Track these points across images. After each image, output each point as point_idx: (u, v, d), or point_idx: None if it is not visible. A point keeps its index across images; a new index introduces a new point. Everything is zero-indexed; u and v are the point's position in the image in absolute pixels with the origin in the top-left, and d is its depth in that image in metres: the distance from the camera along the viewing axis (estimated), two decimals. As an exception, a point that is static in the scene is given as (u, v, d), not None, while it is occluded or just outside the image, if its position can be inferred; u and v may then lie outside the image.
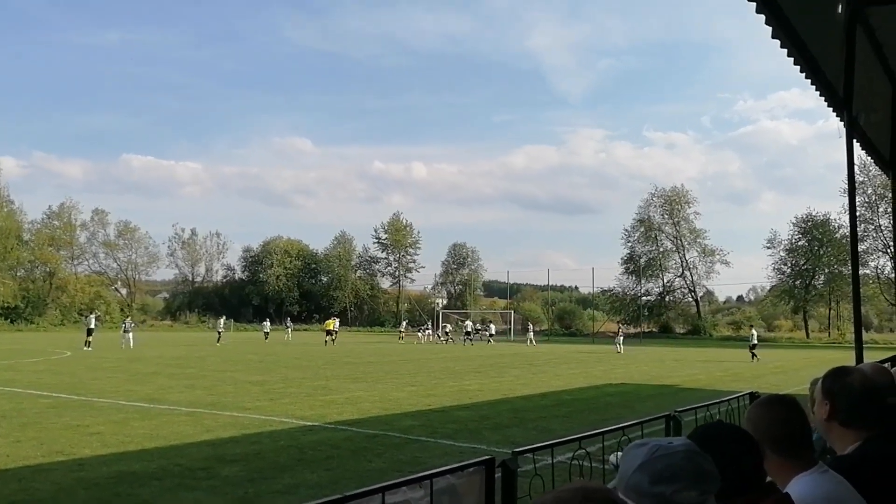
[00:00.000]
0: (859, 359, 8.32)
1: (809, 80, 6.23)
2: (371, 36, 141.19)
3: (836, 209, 76.69)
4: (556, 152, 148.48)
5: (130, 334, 38.94)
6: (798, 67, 5.94)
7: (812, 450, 2.26)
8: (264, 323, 56.53)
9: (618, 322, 67.12)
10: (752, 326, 45.49)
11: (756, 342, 35.14)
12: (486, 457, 3.22)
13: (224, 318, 54.00)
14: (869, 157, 9.67)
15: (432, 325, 62.67)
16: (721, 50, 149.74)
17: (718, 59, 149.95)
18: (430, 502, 2.85)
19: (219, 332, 46.09)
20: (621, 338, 49.55)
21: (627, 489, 1.69)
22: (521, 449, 3.55)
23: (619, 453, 5.49)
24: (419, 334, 55.47)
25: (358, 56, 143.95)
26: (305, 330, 75.35)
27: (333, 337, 46.12)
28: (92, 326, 37.32)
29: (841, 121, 7.49)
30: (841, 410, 2.55)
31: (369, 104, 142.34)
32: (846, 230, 69.92)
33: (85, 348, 34.99)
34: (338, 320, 51.22)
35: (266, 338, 50.14)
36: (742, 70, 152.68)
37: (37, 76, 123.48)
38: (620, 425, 4.65)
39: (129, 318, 47.81)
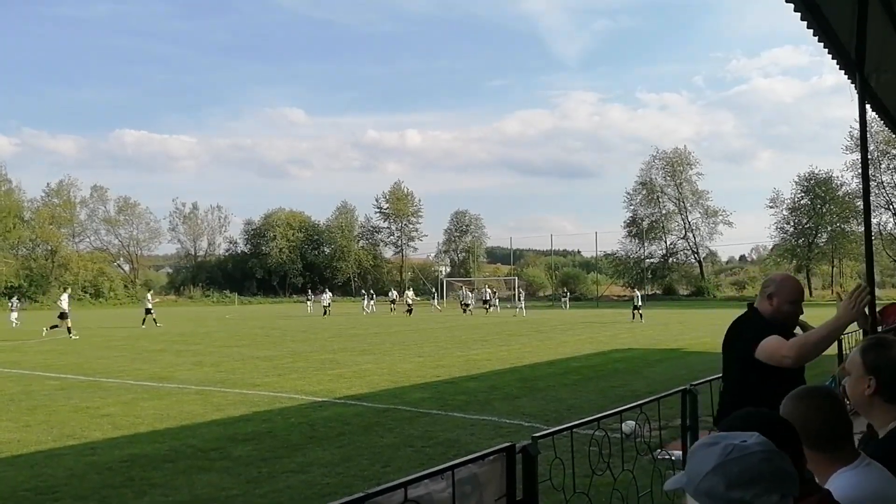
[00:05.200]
0: (872, 314, 8.28)
1: (822, 44, 6.08)
2: (363, 1, 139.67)
3: (834, 165, 76.29)
4: (549, 116, 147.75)
5: (15, 314, 37.65)
6: (811, 31, 5.79)
7: (852, 442, 2.18)
8: (323, 296, 52.34)
9: (520, 287, 63.12)
10: (633, 288, 46.51)
11: (640, 304, 38.14)
12: (507, 443, 3.17)
13: (328, 292, 53.61)
14: (872, 114, 9.52)
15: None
16: (714, 7, 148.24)
17: (711, 18, 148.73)
18: (452, 493, 2.80)
19: (325, 307, 48.18)
20: (522, 302, 49.20)
21: (699, 493, 1.61)
22: (540, 434, 3.49)
23: (631, 422, 5.47)
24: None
25: (350, 23, 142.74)
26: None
27: (397, 307, 48.38)
28: (150, 305, 34.94)
29: (852, 83, 7.35)
30: (888, 386, 2.44)
31: (362, 72, 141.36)
32: (849, 187, 69.68)
33: (150, 325, 33.47)
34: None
35: (325, 312, 47.61)
36: (734, 28, 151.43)
37: (24, 50, 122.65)
38: (638, 402, 4.60)
39: (16, 296, 46.39)
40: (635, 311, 37.39)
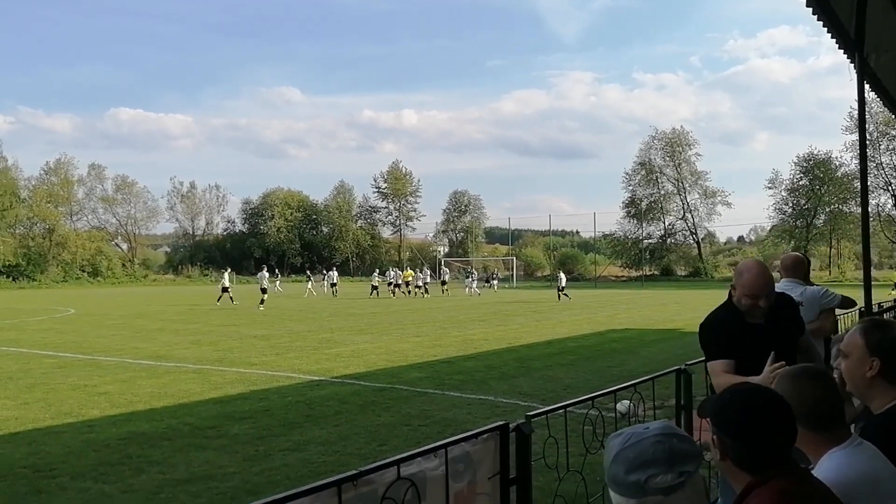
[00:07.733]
0: (867, 295, 8.30)
1: (822, 23, 6.05)
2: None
3: (832, 146, 76.21)
4: (545, 96, 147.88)
5: None
6: (810, 10, 5.77)
7: (844, 422, 2.18)
8: (330, 273, 50.70)
9: (473, 268, 62.08)
10: (559, 270, 47.79)
11: (564, 284, 38.94)
12: (500, 422, 3.18)
13: (392, 270, 50.66)
14: (872, 94, 9.49)
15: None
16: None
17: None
18: (446, 471, 2.81)
19: (373, 286, 45.58)
20: (474, 283, 48.43)
21: (608, 481, 1.80)
22: (534, 413, 3.50)
23: (627, 401, 5.48)
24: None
25: (347, 2, 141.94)
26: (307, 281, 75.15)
27: (410, 288, 47.03)
28: (227, 284, 36.77)
29: (851, 62, 7.32)
30: (893, 366, 2.40)
31: (359, 51, 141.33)
32: (847, 168, 69.65)
33: (227, 303, 34.37)
34: (411, 272, 51.03)
35: (324, 289, 47.17)
36: (732, 8, 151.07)
37: (20, 29, 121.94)
38: (632, 382, 4.60)
39: None
40: (560, 293, 38.00)
